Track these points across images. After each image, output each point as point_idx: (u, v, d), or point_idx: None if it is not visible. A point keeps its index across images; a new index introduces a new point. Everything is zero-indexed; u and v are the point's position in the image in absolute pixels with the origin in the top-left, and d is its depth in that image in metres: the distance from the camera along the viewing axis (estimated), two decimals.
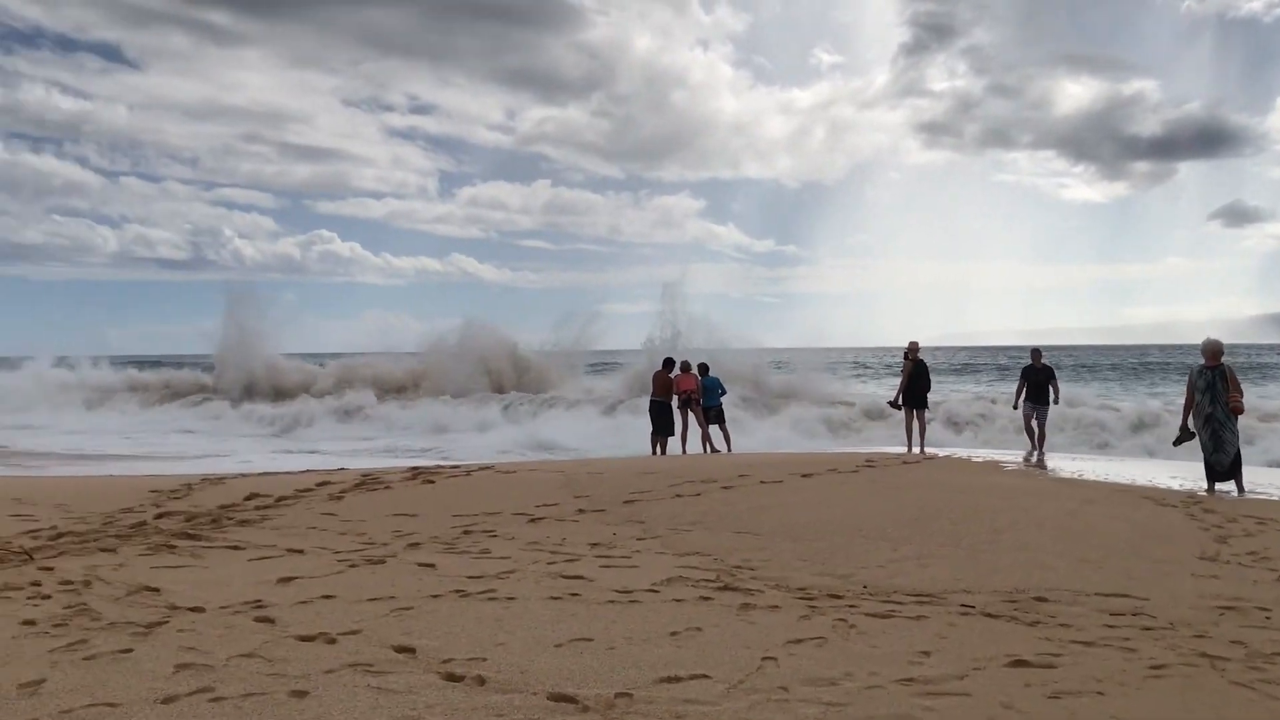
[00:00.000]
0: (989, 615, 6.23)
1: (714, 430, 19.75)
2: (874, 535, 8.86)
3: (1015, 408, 18.58)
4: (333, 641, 5.59)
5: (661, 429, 19.49)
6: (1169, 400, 31.83)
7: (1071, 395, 27.30)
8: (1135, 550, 8.26)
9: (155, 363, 73.27)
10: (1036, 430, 18.00)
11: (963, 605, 6.46)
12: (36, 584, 6.94)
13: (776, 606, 6.41)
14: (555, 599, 6.59)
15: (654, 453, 19.49)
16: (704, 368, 20.23)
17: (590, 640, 5.63)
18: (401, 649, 5.45)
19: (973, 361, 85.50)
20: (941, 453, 17.77)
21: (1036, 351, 18.77)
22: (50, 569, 7.43)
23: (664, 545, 8.53)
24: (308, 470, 15.05)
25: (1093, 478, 13.74)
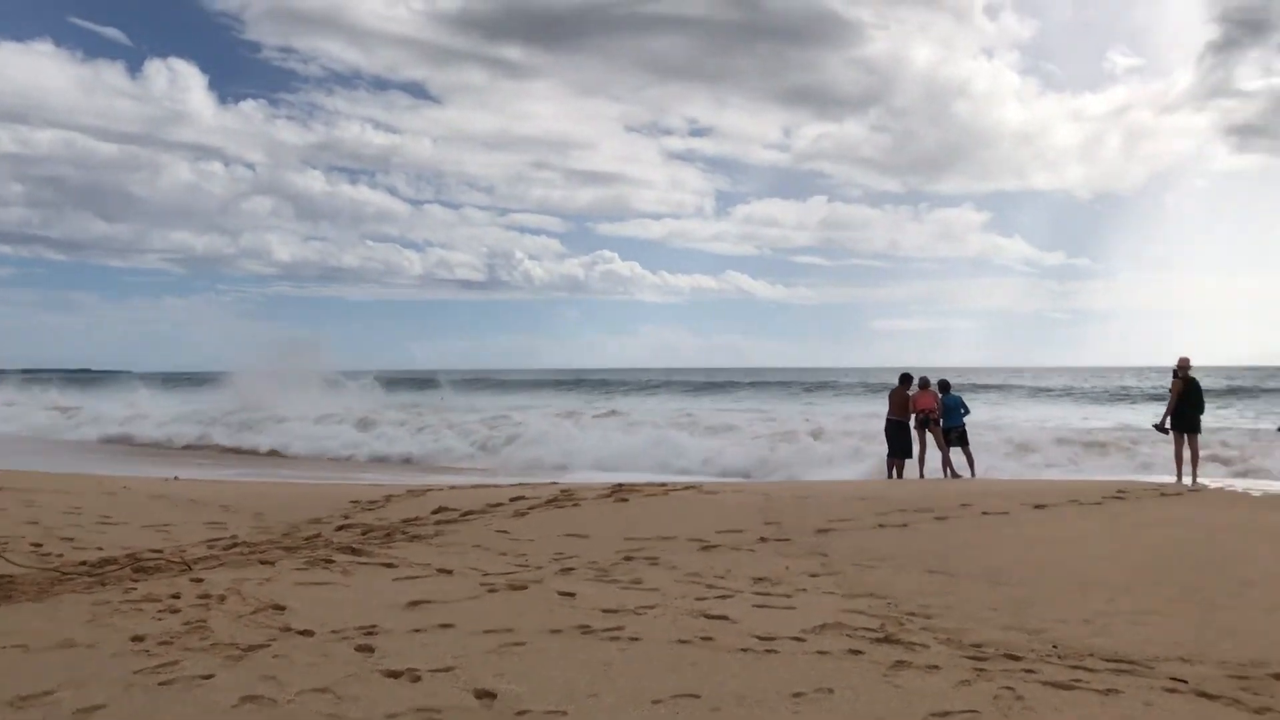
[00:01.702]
0: (1203, 695, 5.00)
1: (956, 453, 18.31)
2: (1090, 582, 7.56)
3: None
4: (417, 679, 5.12)
5: (898, 451, 18.24)
6: None
7: None
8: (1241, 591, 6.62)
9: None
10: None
11: (1172, 678, 5.23)
12: (175, 595, 6.88)
13: (936, 667, 5.41)
14: (683, 643, 5.86)
15: (890, 476, 18.27)
16: (944, 385, 18.82)
17: (696, 698, 4.90)
18: (482, 694, 4.91)
19: None
20: (1222, 484, 15.66)
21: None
22: (200, 580, 7.39)
23: (838, 584, 7.60)
24: (522, 483, 14.92)
25: None
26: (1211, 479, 16.55)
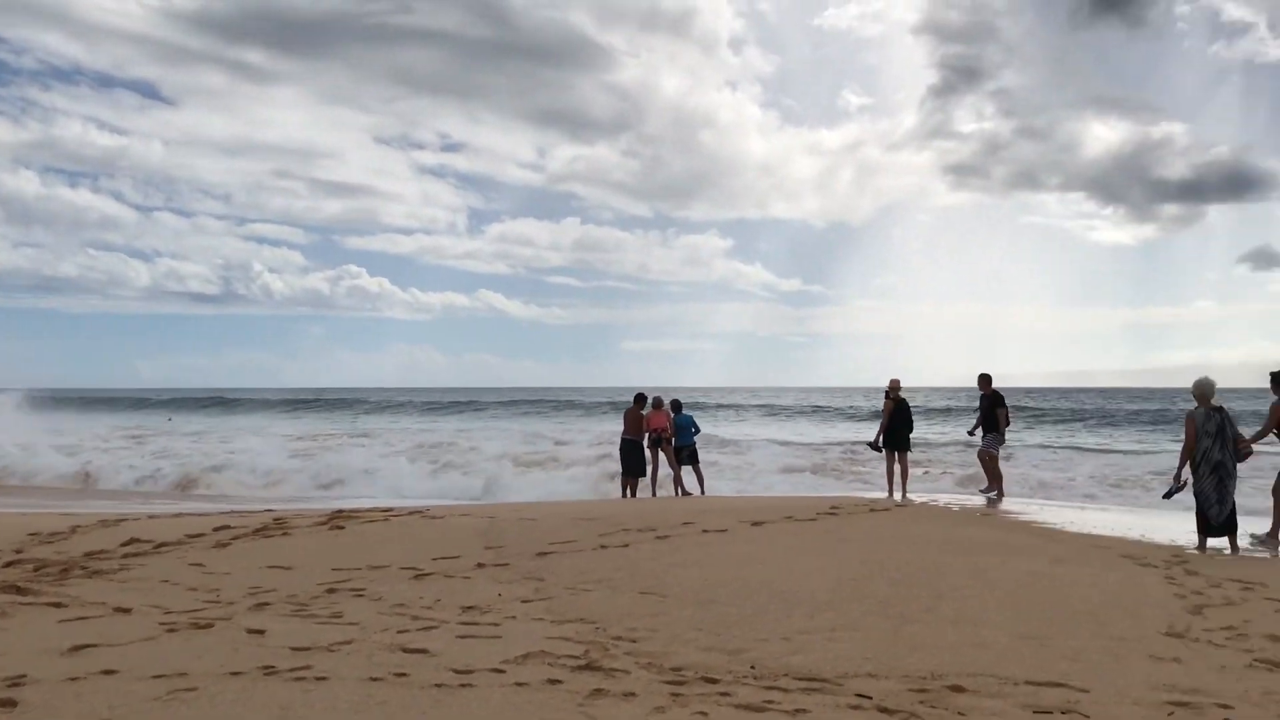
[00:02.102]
0: (884, 710, 5.08)
1: (687, 472, 18.63)
2: (794, 599, 7.70)
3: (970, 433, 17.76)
4: None
5: (631, 469, 18.36)
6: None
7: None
8: (1094, 623, 7.08)
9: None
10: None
11: (858, 695, 5.32)
12: None
13: (633, 694, 5.29)
14: (374, 680, 5.50)
15: (624, 495, 18.37)
16: (677, 404, 19.10)
17: None
18: None
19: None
20: (938, 499, 16.57)
21: (985, 377, 17.38)
22: None
23: (549, 609, 7.41)
24: (230, 511, 14.00)
25: (1077, 530, 12.53)
26: (922, 494, 17.50)
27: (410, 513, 13.08)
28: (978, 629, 6.83)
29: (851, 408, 67.69)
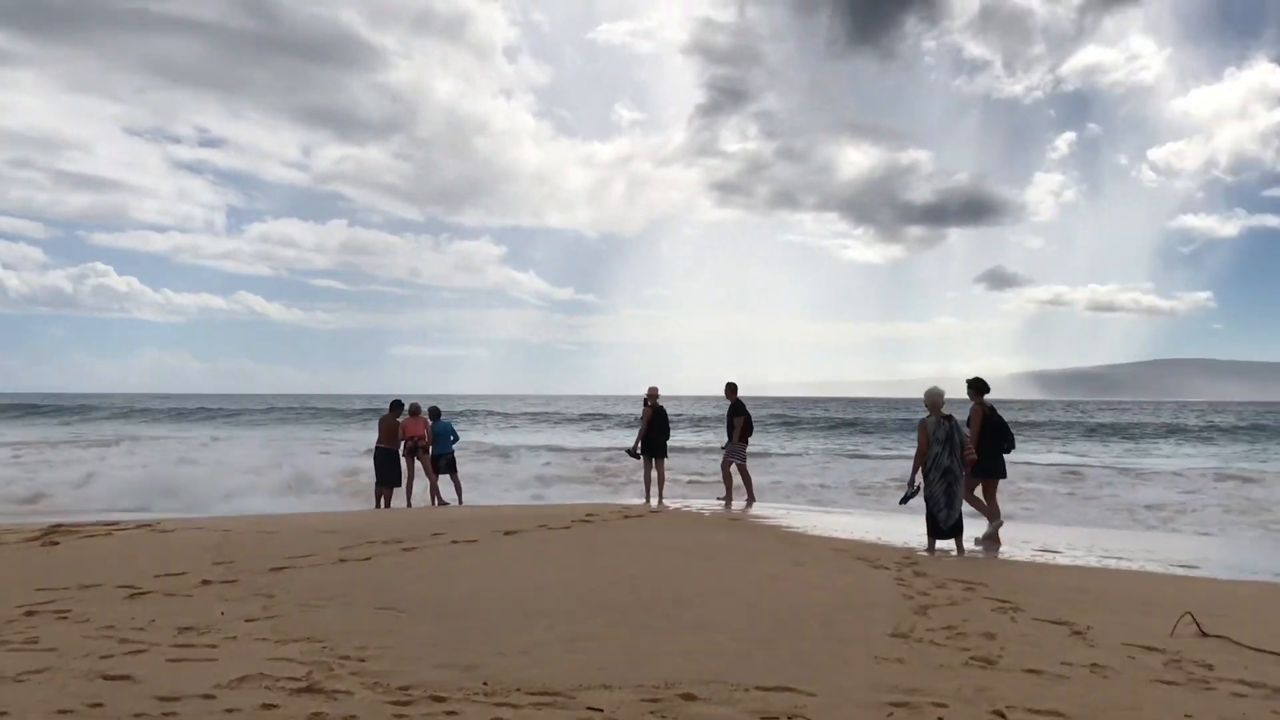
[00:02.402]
0: None
1: (446, 481, 18.23)
2: (536, 611, 7.55)
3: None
4: None
5: (385, 479, 17.79)
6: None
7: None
8: (825, 626, 7.25)
9: None
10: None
11: (589, 708, 5.20)
12: None
13: (354, 716, 4.99)
14: (64, 713, 4.98)
15: (378, 505, 17.77)
16: (435, 411, 18.68)
17: None
18: None
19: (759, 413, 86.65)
20: (690, 504, 16.79)
21: (732, 386, 17.60)
22: None
23: (275, 628, 6.97)
24: None
25: (820, 534, 12.95)
26: (678, 500, 17.73)
27: (138, 526, 12.18)
28: (714, 635, 6.86)
29: (620, 415, 68.63)
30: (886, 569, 9.98)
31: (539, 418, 73.85)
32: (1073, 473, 27.87)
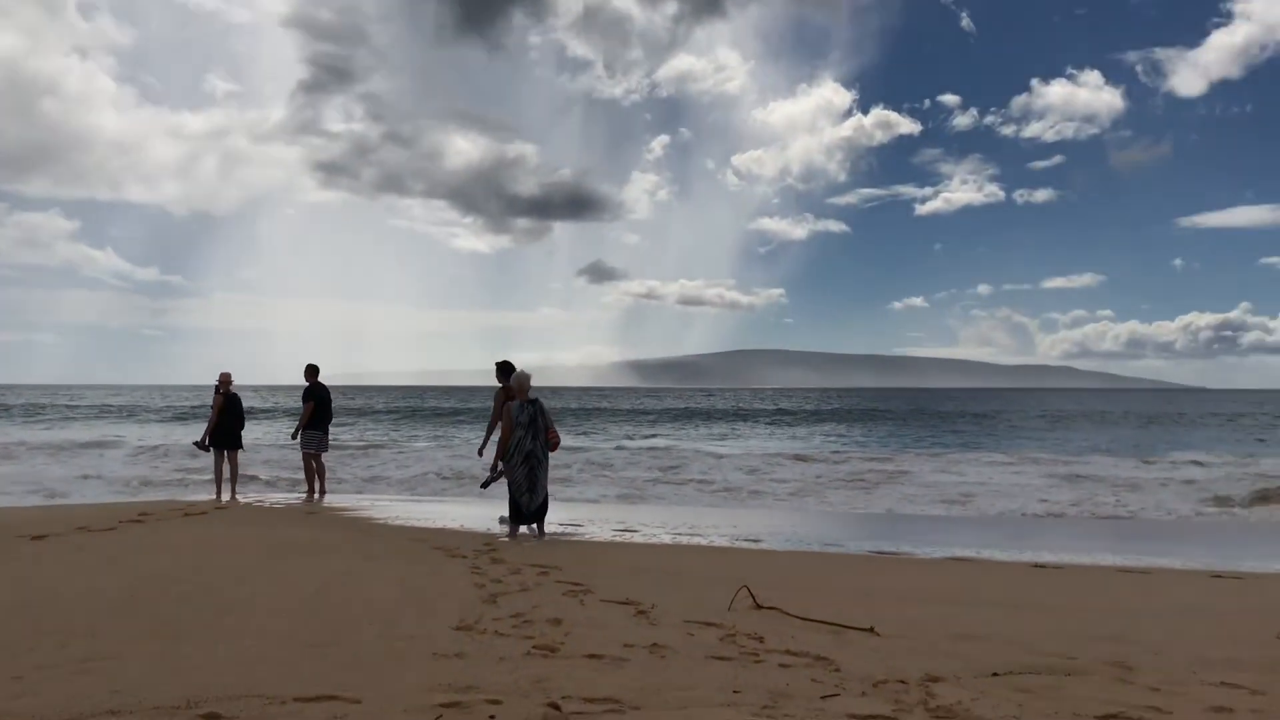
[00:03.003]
0: None
1: None
2: (50, 628, 6.46)
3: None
4: None
5: None
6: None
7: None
8: (388, 624, 6.75)
9: None
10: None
11: None
12: None
13: None
14: None
15: None
16: None
17: None
18: None
19: (369, 403, 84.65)
20: (265, 499, 15.62)
21: (312, 369, 16.76)
22: None
23: None
24: None
25: (402, 524, 12.43)
26: (257, 494, 16.51)
27: None
28: (260, 642, 6.16)
29: (204, 407, 64.15)
30: (464, 558, 9.65)
31: (112, 411, 67.64)
32: (660, 453, 29.17)
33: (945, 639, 6.62)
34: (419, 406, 73.33)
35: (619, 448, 34.57)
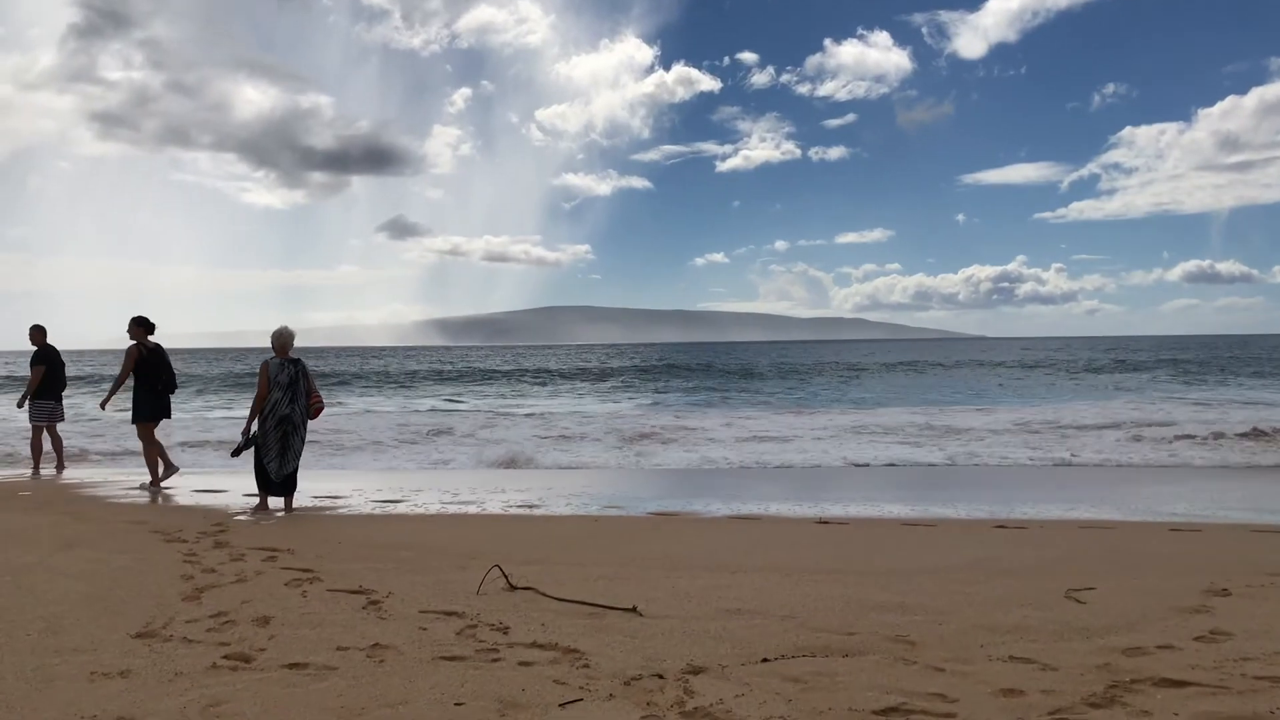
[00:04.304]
0: None
1: None
2: None
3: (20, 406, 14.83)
4: None
5: None
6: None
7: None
8: (52, 634, 5.50)
9: None
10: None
11: None
12: None
13: None
14: None
15: None
16: None
17: None
18: None
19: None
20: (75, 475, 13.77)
21: (38, 330, 14.65)
22: None
23: None
24: None
25: (126, 503, 10.99)
26: None
27: None
28: None
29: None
30: (184, 541, 8.38)
31: None
32: (451, 415, 28.02)
33: (715, 615, 5.90)
34: (206, 373, 69.32)
35: (408, 410, 33.19)
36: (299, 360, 10.87)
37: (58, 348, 14.67)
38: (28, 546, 8.05)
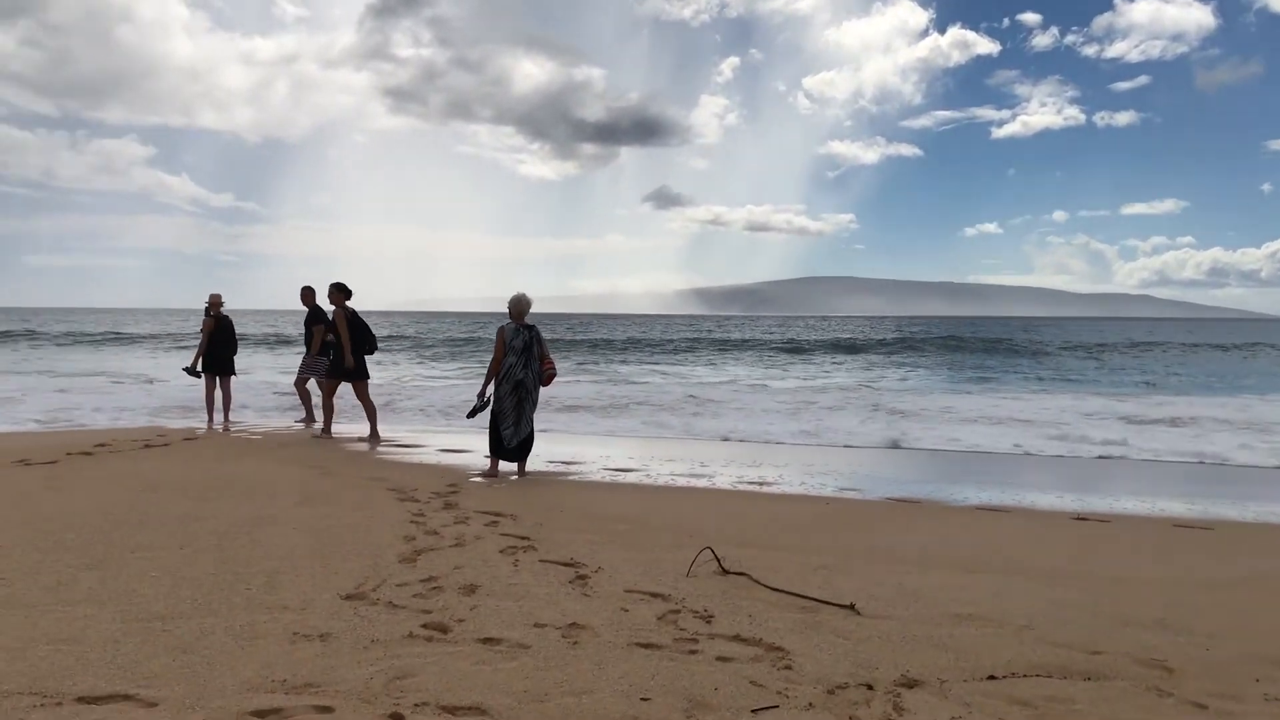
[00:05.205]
0: None
1: None
2: None
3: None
4: None
5: None
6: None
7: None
8: (266, 589, 5.64)
9: None
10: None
11: None
12: None
13: None
14: None
15: None
16: None
17: None
18: None
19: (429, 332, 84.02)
20: (259, 425, 14.73)
21: (308, 290, 15.12)
22: None
23: None
24: None
25: (385, 456, 11.40)
26: (262, 419, 15.61)
27: None
28: (97, 612, 5.08)
29: (278, 335, 64.03)
30: (416, 501, 8.55)
31: (172, 339, 68.00)
32: (705, 385, 27.96)
33: (941, 620, 5.36)
34: (475, 335, 72.70)
35: (663, 377, 33.44)
36: (533, 326, 10.94)
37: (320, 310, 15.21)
38: (271, 498, 8.41)
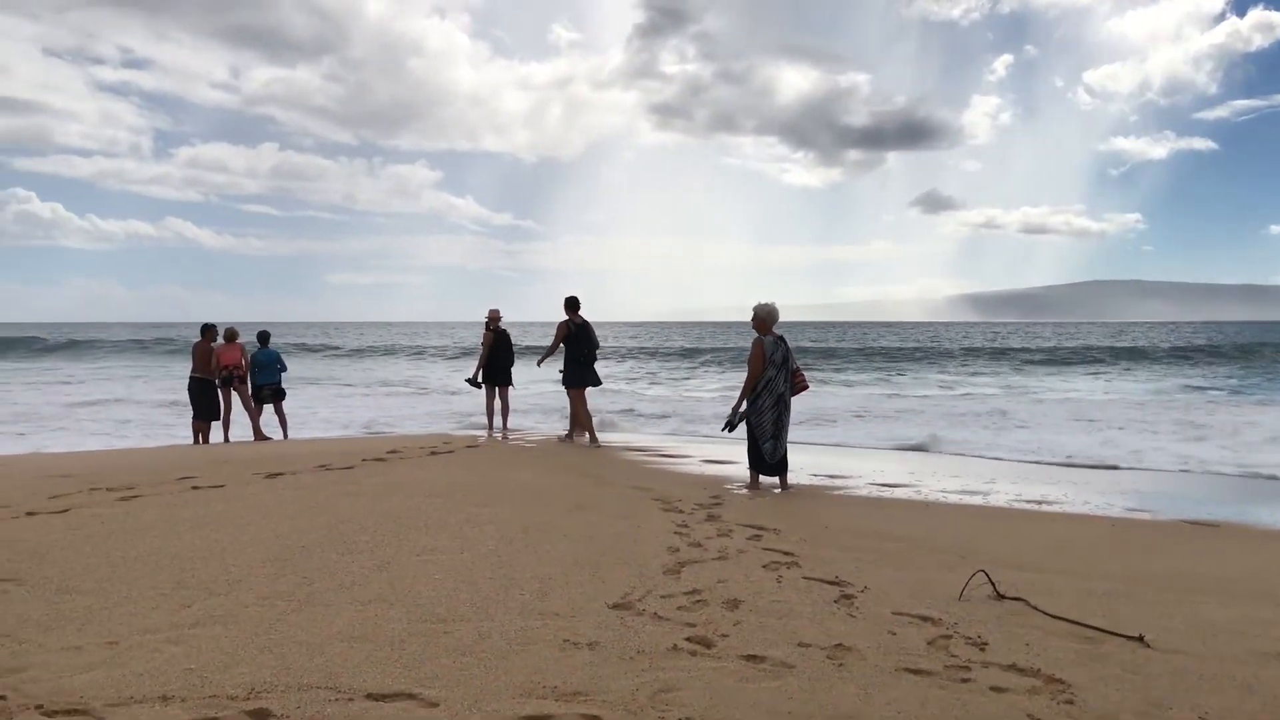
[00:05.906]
0: None
1: (270, 414, 16.64)
2: (189, 582, 6.03)
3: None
4: None
5: (201, 413, 16.12)
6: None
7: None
8: (540, 596, 5.83)
9: None
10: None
11: None
12: None
13: None
14: None
15: (196, 441, 16.13)
16: (264, 336, 17.04)
17: None
18: None
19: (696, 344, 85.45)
20: (532, 432, 15.38)
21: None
22: None
23: None
24: None
25: (649, 468, 11.62)
26: (536, 430, 16.29)
27: None
28: (383, 613, 5.41)
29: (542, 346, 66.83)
30: (680, 512, 8.65)
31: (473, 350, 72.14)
32: (984, 398, 26.98)
33: (1246, 658, 4.89)
34: (730, 345, 73.03)
35: (940, 386, 32.48)
36: (783, 337, 10.83)
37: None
38: (545, 506, 8.72)
